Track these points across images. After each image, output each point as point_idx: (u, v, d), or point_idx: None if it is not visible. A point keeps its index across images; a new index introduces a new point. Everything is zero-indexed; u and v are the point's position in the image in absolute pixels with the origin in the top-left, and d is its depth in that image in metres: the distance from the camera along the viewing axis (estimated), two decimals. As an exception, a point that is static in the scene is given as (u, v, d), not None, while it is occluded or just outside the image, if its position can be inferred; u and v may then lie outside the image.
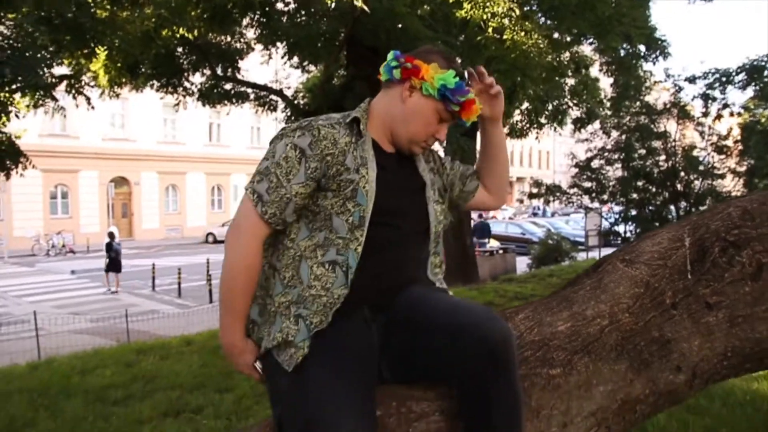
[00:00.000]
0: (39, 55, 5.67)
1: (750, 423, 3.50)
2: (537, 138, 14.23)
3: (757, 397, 4.01)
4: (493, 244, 20.36)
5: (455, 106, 1.54)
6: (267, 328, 1.53)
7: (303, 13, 9.21)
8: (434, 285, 1.68)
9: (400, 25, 7.15)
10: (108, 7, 6.52)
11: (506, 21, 6.12)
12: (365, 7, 6.17)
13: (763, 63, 10.52)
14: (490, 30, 6.28)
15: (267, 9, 8.41)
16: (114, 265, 15.94)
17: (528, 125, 13.50)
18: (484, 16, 6.13)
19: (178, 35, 8.23)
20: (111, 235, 16.58)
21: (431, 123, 1.57)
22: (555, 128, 13.85)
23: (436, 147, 1.81)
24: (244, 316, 1.55)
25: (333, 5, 6.80)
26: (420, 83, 1.54)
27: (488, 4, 6.07)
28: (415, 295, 1.55)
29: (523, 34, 6.25)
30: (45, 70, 5.81)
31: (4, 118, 7.18)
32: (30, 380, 5.92)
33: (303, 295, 1.48)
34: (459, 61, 1.62)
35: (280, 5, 8.98)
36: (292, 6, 9.17)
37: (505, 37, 6.24)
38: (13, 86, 5.64)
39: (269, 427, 1.51)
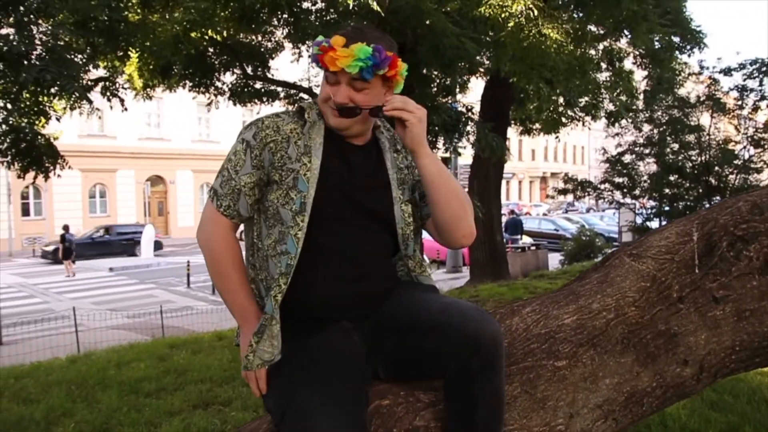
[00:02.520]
0: (76, 58, 5.87)
1: (775, 420, 3.45)
2: (557, 137, 14.07)
3: (784, 394, 3.95)
4: (526, 240, 20.20)
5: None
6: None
7: (332, 11, 9.29)
8: (420, 284, 1.66)
9: (427, 22, 7.17)
10: (139, 10, 6.70)
11: (524, 20, 6.06)
12: (379, 9, 6.21)
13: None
14: (509, 28, 6.24)
15: (294, 9, 8.49)
16: (67, 253, 19.00)
17: (552, 123, 13.36)
18: (503, 15, 6.09)
19: (207, 37, 8.38)
20: (66, 228, 19.72)
21: (325, 90, 1.54)
22: (578, 124, 13.69)
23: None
24: (246, 308, 1.55)
25: (353, 5, 6.83)
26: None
27: (506, 3, 6.02)
28: (404, 296, 1.56)
29: (538, 35, 6.17)
30: (81, 74, 6.00)
31: (42, 120, 7.43)
32: (69, 373, 6.13)
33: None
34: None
35: (307, 4, 9.06)
36: (320, 5, 9.24)
37: (522, 36, 6.18)
38: (51, 90, 5.83)
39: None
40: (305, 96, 11.56)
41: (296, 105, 1.61)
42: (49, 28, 5.53)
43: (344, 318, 1.53)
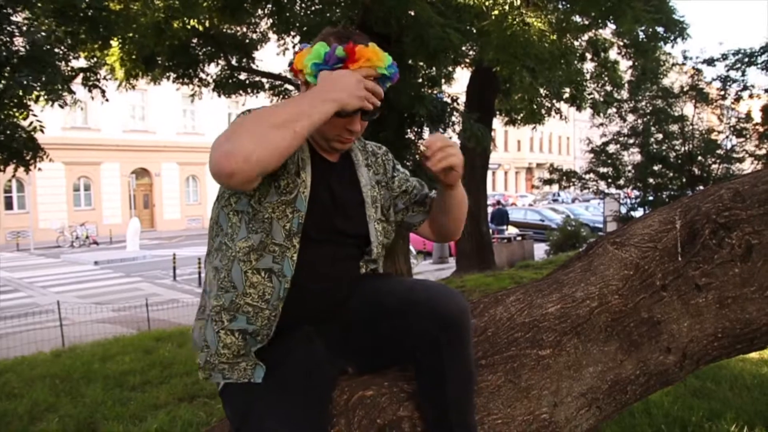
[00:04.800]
0: (55, 50, 5.76)
1: (756, 407, 3.48)
2: (534, 128, 14.12)
3: (765, 381, 3.99)
4: (512, 230, 20.29)
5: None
6: (205, 342, 1.49)
7: (317, 1, 9.22)
8: (378, 274, 1.64)
9: (411, 12, 7.13)
10: (121, -1, 6.62)
11: (507, 8, 6.06)
12: None
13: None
14: (493, 16, 6.23)
15: (278, -2, 8.43)
16: None
17: (528, 114, 13.39)
18: (487, 3, 6.08)
19: (189, 26, 8.29)
20: None
21: (335, 125, 1.42)
22: (560, 116, 13.76)
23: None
24: (293, 100, 1.32)
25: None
26: (303, 76, 1.41)
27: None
28: (367, 287, 1.54)
29: (522, 23, 6.17)
30: (61, 65, 5.89)
31: (23, 113, 7.28)
32: (53, 367, 6.07)
33: (237, 303, 1.41)
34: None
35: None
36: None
37: (506, 25, 6.18)
38: (30, 84, 5.71)
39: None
40: (290, 87, 11.50)
41: None
42: (27, 21, 5.41)
43: (308, 323, 1.49)
